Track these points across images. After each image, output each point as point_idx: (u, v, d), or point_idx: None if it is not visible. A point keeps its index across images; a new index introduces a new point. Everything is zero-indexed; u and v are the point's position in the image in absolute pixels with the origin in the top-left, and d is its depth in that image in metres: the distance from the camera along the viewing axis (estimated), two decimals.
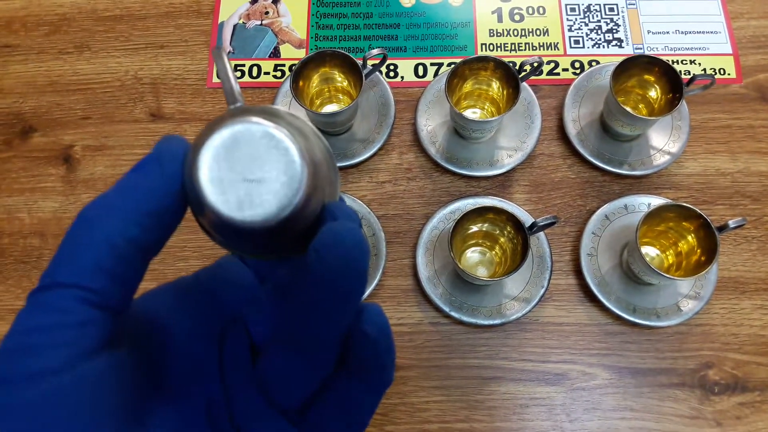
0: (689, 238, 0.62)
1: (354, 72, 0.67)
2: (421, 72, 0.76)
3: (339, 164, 0.70)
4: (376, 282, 0.65)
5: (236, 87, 0.25)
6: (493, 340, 0.65)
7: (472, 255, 0.66)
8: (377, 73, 0.73)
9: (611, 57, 0.76)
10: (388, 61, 0.76)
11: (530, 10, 0.79)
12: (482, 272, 0.66)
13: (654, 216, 0.61)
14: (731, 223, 0.59)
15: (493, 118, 0.64)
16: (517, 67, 0.65)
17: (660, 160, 0.70)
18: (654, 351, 0.64)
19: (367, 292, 0.64)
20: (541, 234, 0.67)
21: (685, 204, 0.60)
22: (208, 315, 0.27)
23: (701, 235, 0.61)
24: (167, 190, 0.23)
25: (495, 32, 0.78)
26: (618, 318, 0.64)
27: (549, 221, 0.60)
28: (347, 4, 0.79)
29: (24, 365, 0.20)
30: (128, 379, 0.22)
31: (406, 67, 0.76)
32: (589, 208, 0.69)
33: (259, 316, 0.28)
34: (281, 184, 0.21)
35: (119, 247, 0.22)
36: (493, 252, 0.66)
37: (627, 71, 0.68)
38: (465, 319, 0.64)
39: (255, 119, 0.21)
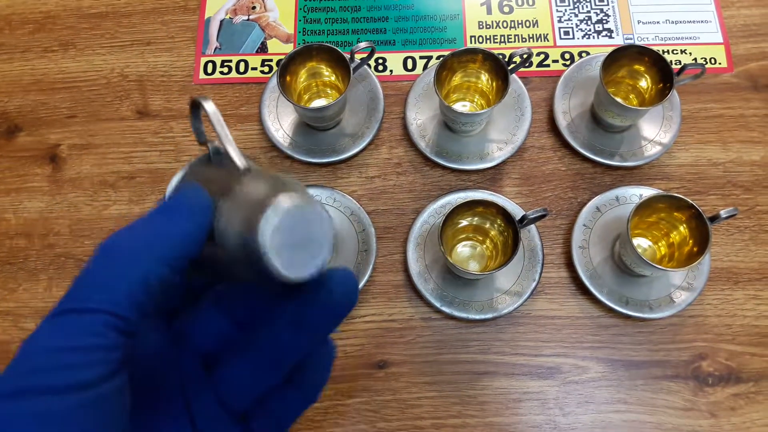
0: (681, 228, 0.61)
1: (342, 66, 0.66)
2: (410, 65, 0.75)
3: (328, 159, 0.69)
4: (366, 278, 0.63)
5: (238, 149, 0.29)
6: (485, 334, 0.64)
7: (462, 249, 0.65)
8: (366, 67, 0.72)
9: (601, 48, 0.74)
10: (377, 55, 0.75)
11: (519, 2, 0.77)
12: (473, 266, 0.64)
13: (645, 207, 0.60)
14: (723, 213, 0.58)
15: (483, 111, 0.63)
16: (506, 59, 0.64)
17: (651, 150, 0.69)
18: (647, 343, 0.63)
19: (359, 286, 0.63)
20: (533, 227, 0.66)
21: (676, 194, 0.59)
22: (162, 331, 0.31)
23: (693, 226, 0.60)
24: (198, 239, 0.26)
25: (484, 24, 0.76)
26: (610, 310, 0.63)
27: (539, 214, 0.59)
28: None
29: (63, 378, 0.22)
30: (128, 396, 0.25)
31: (395, 61, 0.75)
32: (580, 200, 0.68)
33: (207, 328, 0.31)
34: (320, 249, 0.27)
35: (152, 286, 0.25)
36: (484, 246, 0.65)
37: (617, 61, 0.67)
38: (456, 314, 0.63)
39: (299, 199, 0.26)
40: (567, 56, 0.74)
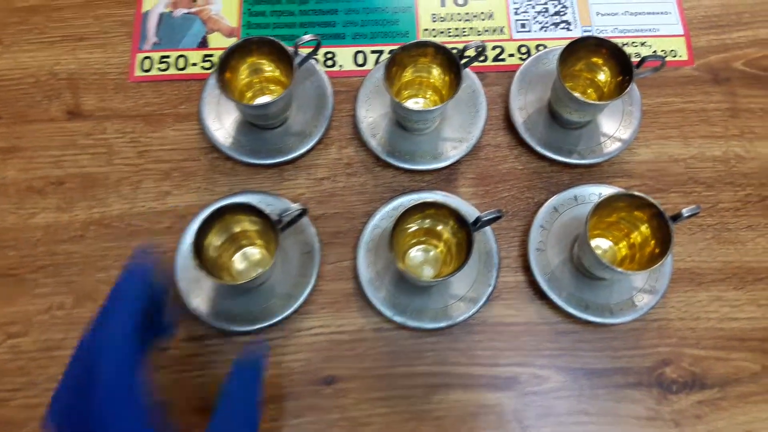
0: (642, 228, 0.57)
1: (285, 61, 0.60)
2: (360, 60, 0.69)
3: (274, 160, 0.63)
4: (311, 287, 0.58)
5: None
6: (440, 344, 0.58)
7: (415, 254, 0.60)
8: (313, 62, 0.66)
9: (559, 41, 0.69)
10: (326, 49, 0.69)
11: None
12: (427, 272, 0.59)
13: (604, 206, 0.55)
14: (685, 211, 0.54)
15: (435, 108, 0.58)
16: (459, 53, 0.58)
17: (611, 147, 0.64)
18: (609, 350, 0.58)
19: (301, 298, 0.57)
20: (488, 229, 0.60)
21: (636, 193, 0.54)
22: None
23: (654, 225, 0.55)
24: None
25: (438, 17, 0.71)
26: (569, 316, 0.58)
27: (493, 216, 0.53)
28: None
29: None
30: None
31: (344, 56, 0.69)
32: (537, 200, 0.63)
33: None
34: None
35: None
36: (438, 250, 0.59)
37: (574, 54, 0.61)
38: (409, 323, 0.57)
39: None
40: (523, 50, 0.69)
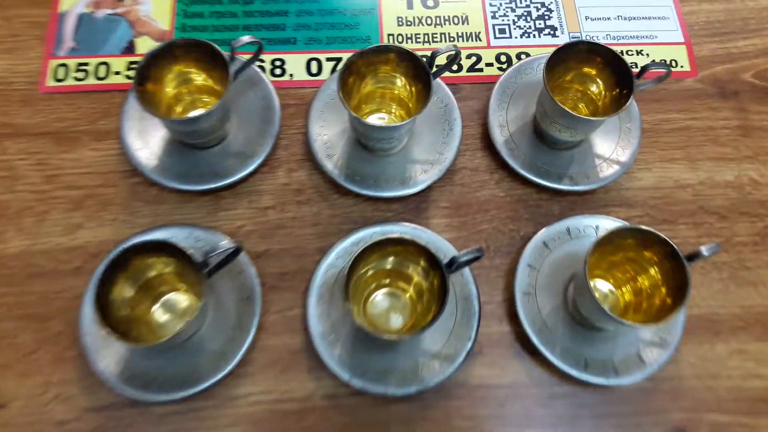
0: (651, 271, 0.47)
1: (220, 67, 0.49)
2: (314, 69, 0.58)
3: (208, 186, 0.52)
4: (249, 342, 0.46)
5: None
6: (409, 413, 0.47)
7: (379, 300, 0.49)
8: (258, 70, 0.56)
9: (544, 48, 0.60)
10: (273, 56, 0.58)
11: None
12: (395, 320, 0.48)
13: (607, 243, 0.45)
14: (704, 250, 0.44)
15: (400, 124, 0.47)
16: (428, 60, 0.48)
17: (607, 171, 0.54)
18: (614, 416, 0.48)
19: (237, 357, 0.46)
20: (466, 270, 0.50)
21: (644, 227, 0.44)
22: None
23: (667, 267, 0.45)
24: None
25: (404, 21, 0.61)
26: (566, 376, 0.48)
27: (472, 256, 0.43)
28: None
29: None
30: None
31: (295, 63, 0.58)
32: (523, 233, 0.53)
33: None
34: None
35: None
36: (407, 295, 0.49)
37: (563, 63, 0.52)
38: (372, 388, 0.46)
39: None
40: (503, 58, 0.60)
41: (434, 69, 0.49)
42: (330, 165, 0.53)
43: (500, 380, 0.48)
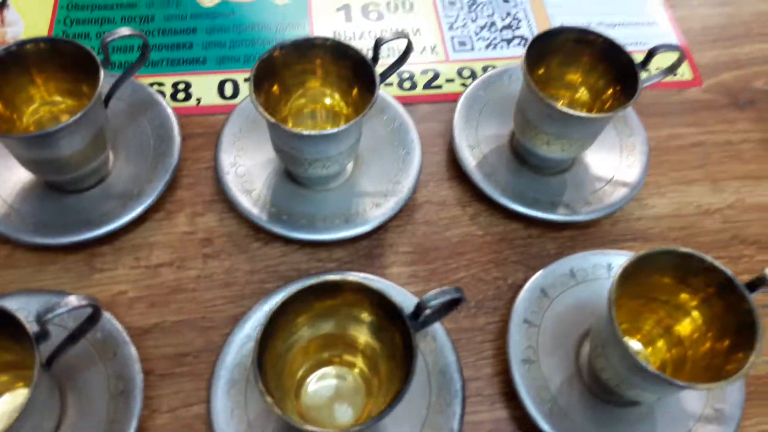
0: (695, 314, 0.34)
1: (89, 71, 0.36)
2: (229, 91, 0.46)
3: (78, 237, 0.37)
4: None
5: None
6: None
7: (318, 385, 0.34)
8: (151, 91, 0.43)
9: (514, 60, 0.49)
10: (177, 78, 0.46)
11: (391, 6, 0.52)
12: (343, 412, 0.34)
13: (631, 278, 0.32)
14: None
15: (340, 128, 0.35)
16: (371, 55, 0.37)
17: (612, 196, 0.42)
18: None
19: None
20: (440, 331, 0.36)
21: (685, 249, 0.32)
22: None
23: (718, 305, 0.32)
24: None
25: (342, 35, 0.50)
26: None
27: (448, 298, 0.29)
28: (114, 6, 0.49)
29: None
30: None
31: (204, 86, 0.46)
32: (512, 281, 0.40)
33: None
34: None
35: None
36: (356, 370, 0.34)
37: (544, 60, 0.41)
38: None
39: None
40: (466, 73, 0.48)
41: (382, 70, 0.38)
42: (248, 203, 0.40)
43: None
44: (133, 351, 0.34)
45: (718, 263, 0.31)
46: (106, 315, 0.35)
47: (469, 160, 0.43)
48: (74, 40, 0.36)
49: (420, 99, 0.47)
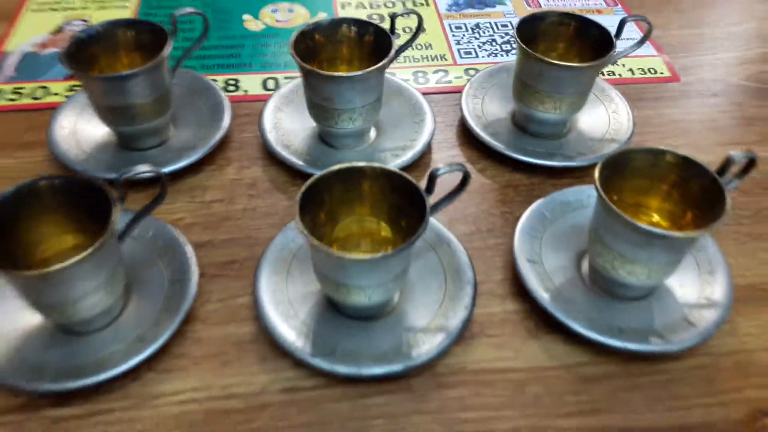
0: (674, 197, 0.39)
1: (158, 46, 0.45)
2: (271, 86, 0.55)
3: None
4: (174, 327, 0.36)
5: None
6: (394, 406, 0.35)
7: (348, 231, 0.39)
8: (207, 80, 0.52)
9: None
10: (228, 77, 0.55)
11: (407, 29, 0.61)
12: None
13: (615, 166, 0.38)
14: (735, 155, 0.36)
15: (361, 72, 0.42)
16: (386, 24, 0.46)
17: (605, 149, 0.48)
18: (668, 399, 0.36)
19: (157, 344, 0.35)
20: (454, 240, 0.41)
21: (657, 147, 0.38)
22: None
23: (695, 188, 0.37)
24: None
25: None
26: (598, 349, 0.37)
27: (455, 169, 0.36)
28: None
29: None
30: None
31: (250, 82, 0.55)
32: (517, 214, 0.45)
33: None
34: None
35: None
36: (381, 232, 0.39)
37: (534, 41, 0.49)
38: (341, 369, 0.35)
39: None
40: (472, 72, 0.57)
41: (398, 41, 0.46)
42: (286, 153, 0.47)
43: (513, 363, 0.37)
44: (188, 250, 0.40)
45: (688, 155, 0.37)
46: (167, 225, 0.41)
47: (476, 125, 0.50)
48: (149, 21, 0.45)
49: (432, 91, 0.55)
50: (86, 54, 0.44)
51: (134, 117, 0.44)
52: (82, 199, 0.35)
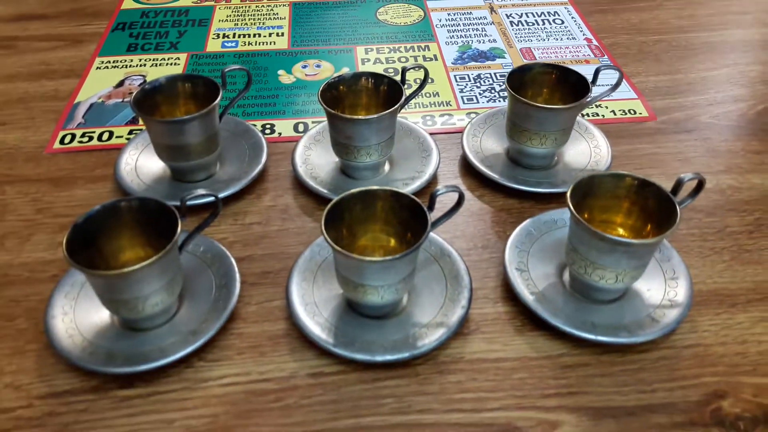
0: (634, 215, 0.44)
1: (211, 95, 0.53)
2: (301, 129, 0.62)
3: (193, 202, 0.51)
4: (222, 321, 0.42)
5: None
6: (402, 388, 0.40)
7: (362, 242, 0.45)
8: (248, 125, 0.59)
9: None
10: (265, 122, 0.62)
11: (417, 80, 0.68)
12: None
13: (587, 186, 0.44)
14: (684, 176, 0.42)
15: (378, 115, 0.49)
16: (398, 77, 0.53)
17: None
18: (637, 383, 0.41)
19: (208, 335, 0.41)
20: (453, 253, 0.47)
21: (621, 172, 0.44)
22: None
23: (652, 207, 0.43)
24: None
25: None
26: (575, 342, 0.42)
27: (450, 190, 0.42)
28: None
29: None
30: None
31: (284, 126, 0.62)
32: (509, 233, 0.51)
33: None
34: None
35: None
36: (391, 243, 0.45)
37: (523, 87, 0.55)
38: (358, 356, 0.40)
39: None
40: (473, 115, 0.64)
41: (409, 89, 0.53)
42: (314, 183, 0.54)
43: (502, 354, 0.42)
44: (232, 262, 0.46)
45: (646, 177, 0.43)
46: (215, 242, 0.48)
47: (475, 159, 0.56)
48: (211, 78, 0.53)
49: (437, 131, 0.62)
50: (150, 102, 0.52)
51: (189, 154, 0.52)
52: (152, 216, 0.42)
